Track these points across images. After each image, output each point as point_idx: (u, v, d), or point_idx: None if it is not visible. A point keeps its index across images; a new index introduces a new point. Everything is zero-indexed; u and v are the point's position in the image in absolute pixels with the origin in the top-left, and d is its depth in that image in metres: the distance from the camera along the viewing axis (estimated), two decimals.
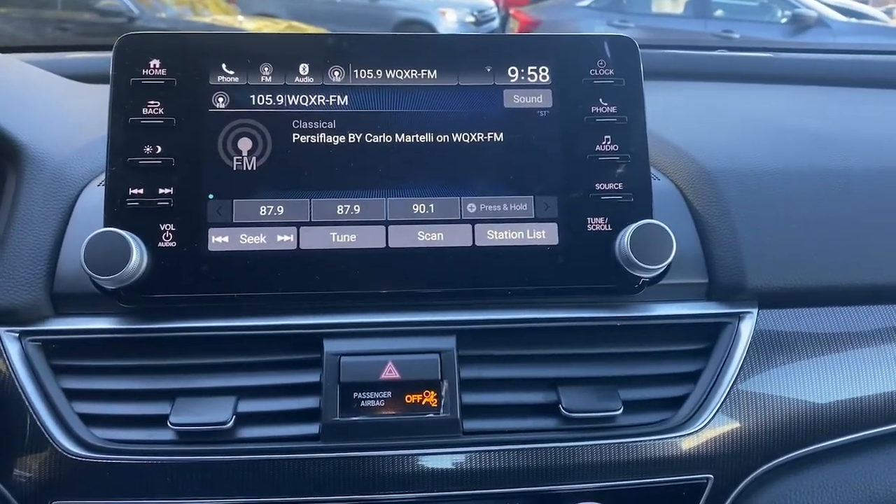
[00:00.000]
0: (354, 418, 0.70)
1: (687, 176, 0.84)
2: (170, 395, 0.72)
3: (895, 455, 0.80)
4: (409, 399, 0.71)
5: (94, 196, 0.79)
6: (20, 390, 0.70)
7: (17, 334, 0.72)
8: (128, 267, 0.69)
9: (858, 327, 0.81)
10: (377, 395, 0.71)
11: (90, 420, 0.71)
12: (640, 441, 0.73)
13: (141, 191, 0.73)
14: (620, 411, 0.73)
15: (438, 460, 0.71)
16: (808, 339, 0.79)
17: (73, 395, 0.71)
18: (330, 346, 0.73)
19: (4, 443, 0.71)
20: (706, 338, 0.78)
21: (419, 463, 0.70)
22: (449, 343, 0.73)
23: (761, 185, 0.82)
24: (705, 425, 0.74)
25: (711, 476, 0.74)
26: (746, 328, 0.78)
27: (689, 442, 0.73)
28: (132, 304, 0.73)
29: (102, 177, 0.81)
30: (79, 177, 0.80)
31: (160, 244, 0.73)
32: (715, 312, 0.78)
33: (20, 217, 0.75)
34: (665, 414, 0.75)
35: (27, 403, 0.70)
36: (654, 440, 0.73)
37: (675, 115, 1.00)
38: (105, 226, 0.71)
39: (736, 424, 0.74)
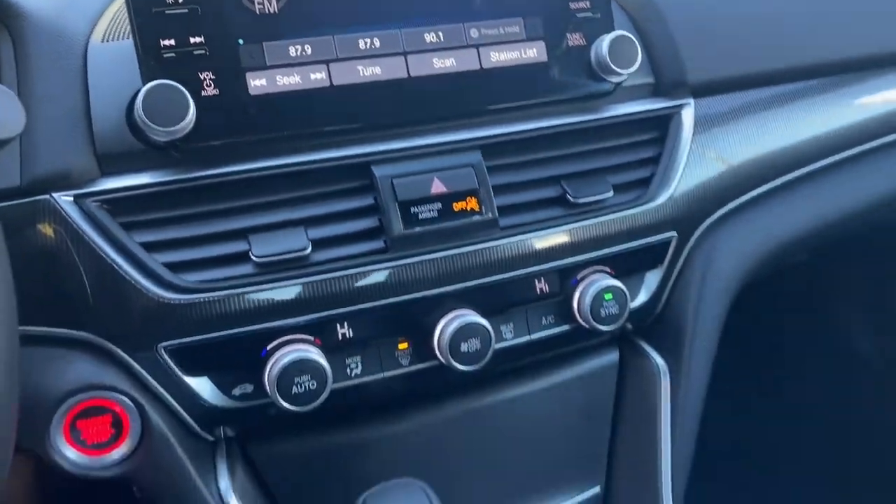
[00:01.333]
0: (417, 229, 0.81)
1: None
2: (243, 234, 0.77)
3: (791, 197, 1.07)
4: (456, 207, 0.83)
5: (103, 51, 0.76)
6: (98, 251, 0.71)
7: (72, 198, 0.72)
8: (187, 117, 0.70)
9: (778, 97, 1.04)
10: (430, 206, 0.81)
11: (175, 267, 0.74)
12: (627, 213, 0.91)
13: (172, 41, 0.73)
14: (612, 194, 0.90)
15: (487, 253, 0.84)
16: (737, 114, 1.00)
17: (150, 247, 0.74)
18: (379, 170, 0.81)
19: (100, 303, 0.72)
20: (658, 127, 0.97)
21: (473, 257, 0.83)
22: (476, 157, 0.85)
23: None
24: (671, 195, 0.93)
25: (675, 233, 0.96)
26: (688, 115, 0.97)
27: (660, 210, 0.93)
28: (187, 154, 0.75)
29: (101, 29, 0.78)
30: (79, 31, 0.76)
31: (203, 93, 0.74)
32: (665, 105, 0.96)
33: (38, 78, 0.72)
34: (639, 191, 0.94)
35: (110, 262, 0.71)
36: (636, 212, 0.91)
37: None
38: (145, 80, 0.71)
39: (692, 190, 0.95)
